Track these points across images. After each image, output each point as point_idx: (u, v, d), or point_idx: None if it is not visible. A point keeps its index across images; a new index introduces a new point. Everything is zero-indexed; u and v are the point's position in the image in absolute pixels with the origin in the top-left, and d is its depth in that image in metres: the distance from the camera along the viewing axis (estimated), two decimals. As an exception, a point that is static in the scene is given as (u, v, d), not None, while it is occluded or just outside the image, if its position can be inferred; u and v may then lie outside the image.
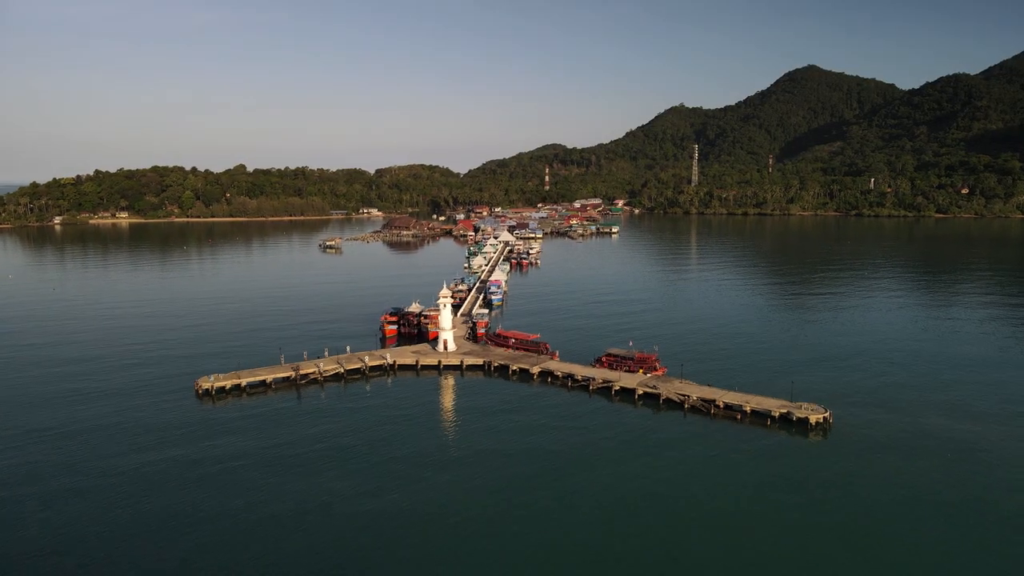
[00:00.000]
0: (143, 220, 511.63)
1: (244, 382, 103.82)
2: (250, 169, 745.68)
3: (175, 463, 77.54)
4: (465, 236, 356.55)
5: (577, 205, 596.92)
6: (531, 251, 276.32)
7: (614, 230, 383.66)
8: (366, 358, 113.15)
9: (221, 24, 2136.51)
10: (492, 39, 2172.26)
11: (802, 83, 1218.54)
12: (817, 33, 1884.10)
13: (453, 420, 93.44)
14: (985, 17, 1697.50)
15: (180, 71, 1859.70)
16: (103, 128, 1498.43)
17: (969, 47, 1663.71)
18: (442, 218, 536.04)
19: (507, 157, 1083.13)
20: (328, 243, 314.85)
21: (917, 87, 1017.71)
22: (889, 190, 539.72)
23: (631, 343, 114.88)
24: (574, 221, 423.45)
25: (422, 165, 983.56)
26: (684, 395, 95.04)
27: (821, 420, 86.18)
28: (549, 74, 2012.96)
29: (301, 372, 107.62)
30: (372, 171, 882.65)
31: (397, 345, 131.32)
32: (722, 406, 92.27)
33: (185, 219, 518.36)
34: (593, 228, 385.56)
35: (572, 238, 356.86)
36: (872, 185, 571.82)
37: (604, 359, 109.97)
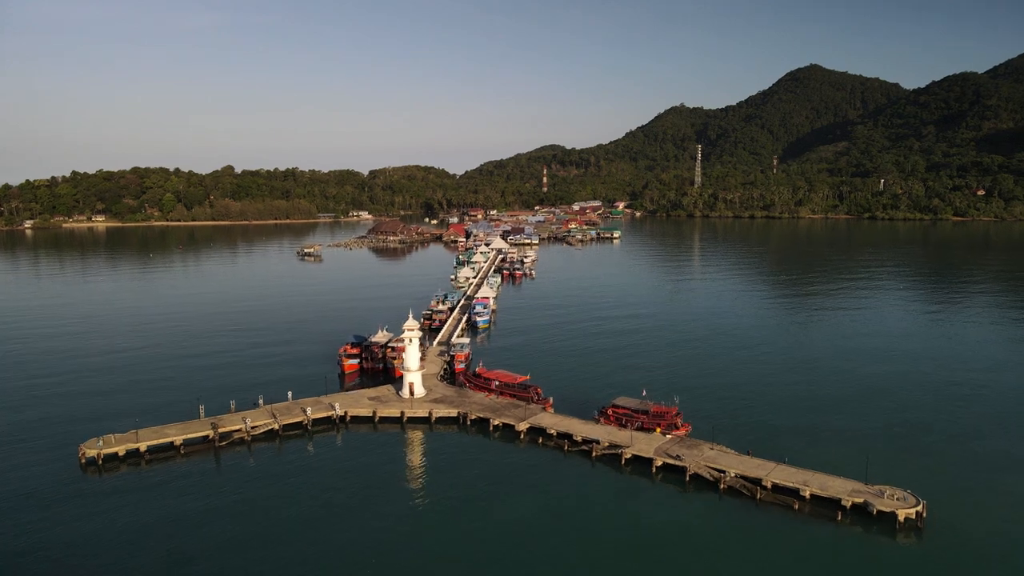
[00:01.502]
0: (121, 224, 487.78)
1: (144, 446, 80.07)
2: (238, 170, 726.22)
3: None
4: (456, 242, 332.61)
5: (576, 208, 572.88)
6: (526, 260, 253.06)
7: (615, 235, 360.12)
8: (309, 409, 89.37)
9: (218, 26, 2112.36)
10: (489, 39, 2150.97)
11: (805, 82, 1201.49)
12: (819, 32, 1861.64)
13: (412, 499, 69.72)
14: (988, 16, 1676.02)
15: (169, 73, 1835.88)
16: (85, 129, 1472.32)
17: (973, 46, 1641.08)
18: (434, 221, 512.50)
19: (505, 158, 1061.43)
20: (307, 250, 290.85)
21: (923, 86, 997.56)
22: (901, 192, 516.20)
23: (644, 392, 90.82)
24: (573, 225, 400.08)
25: (417, 166, 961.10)
26: (719, 470, 71.43)
27: (913, 515, 62.58)
28: (547, 74, 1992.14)
29: (222, 430, 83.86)
30: (366, 172, 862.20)
31: (358, 383, 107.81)
32: (771, 487, 68.72)
33: (164, 223, 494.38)
34: (593, 233, 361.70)
35: (571, 244, 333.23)
36: (882, 186, 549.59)
37: (611, 412, 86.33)
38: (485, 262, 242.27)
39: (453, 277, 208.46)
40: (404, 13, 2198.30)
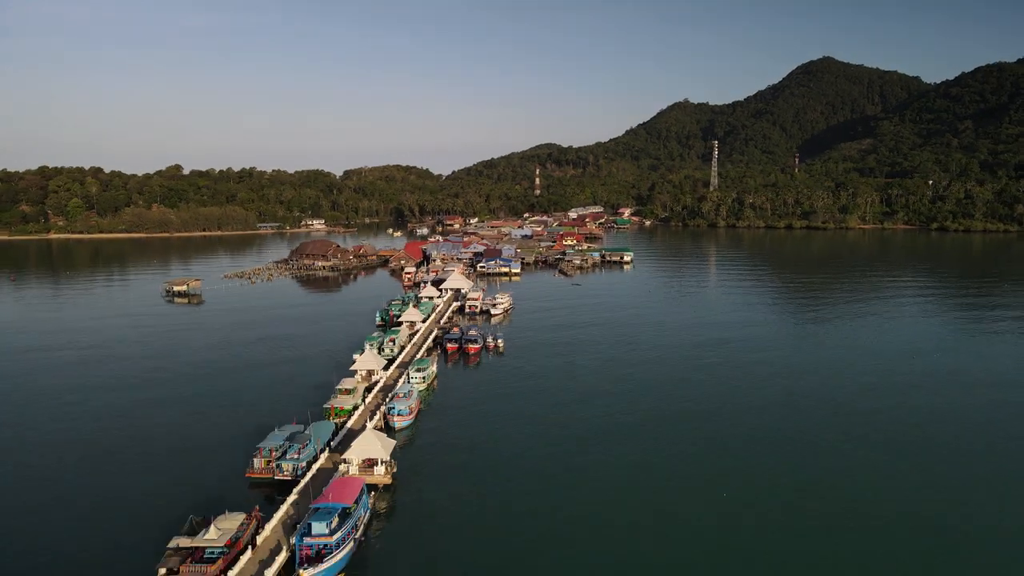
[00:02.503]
0: (8, 236, 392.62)
1: None
2: (186, 171, 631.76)
3: None
4: (409, 267, 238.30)
5: (573, 216, 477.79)
6: (495, 309, 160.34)
7: (627, 258, 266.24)
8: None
9: (212, 26, 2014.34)
10: (484, 34, 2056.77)
11: (818, 76, 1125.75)
12: (831, 23, 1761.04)
13: None
14: (1014, 4, 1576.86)
15: (148, 72, 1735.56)
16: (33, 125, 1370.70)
17: (997, 35, 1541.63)
18: (397, 233, 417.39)
19: (496, 157, 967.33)
20: (176, 288, 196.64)
21: (951, 78, 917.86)
22: (964, 196, 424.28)
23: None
24: (569, 241, 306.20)
25: (397, 166, 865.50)
26: None
27: None
28: (542, 68, 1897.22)
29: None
30: (340, 173, 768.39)
31: None
32: None
33: (66, 235, 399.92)
34: (596, 256, 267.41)
35: (565, 273, 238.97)
36: (931, 189, 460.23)
37: None
38: (427, 317, 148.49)
39: (357, 358, 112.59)
40: (394, 7, 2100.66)
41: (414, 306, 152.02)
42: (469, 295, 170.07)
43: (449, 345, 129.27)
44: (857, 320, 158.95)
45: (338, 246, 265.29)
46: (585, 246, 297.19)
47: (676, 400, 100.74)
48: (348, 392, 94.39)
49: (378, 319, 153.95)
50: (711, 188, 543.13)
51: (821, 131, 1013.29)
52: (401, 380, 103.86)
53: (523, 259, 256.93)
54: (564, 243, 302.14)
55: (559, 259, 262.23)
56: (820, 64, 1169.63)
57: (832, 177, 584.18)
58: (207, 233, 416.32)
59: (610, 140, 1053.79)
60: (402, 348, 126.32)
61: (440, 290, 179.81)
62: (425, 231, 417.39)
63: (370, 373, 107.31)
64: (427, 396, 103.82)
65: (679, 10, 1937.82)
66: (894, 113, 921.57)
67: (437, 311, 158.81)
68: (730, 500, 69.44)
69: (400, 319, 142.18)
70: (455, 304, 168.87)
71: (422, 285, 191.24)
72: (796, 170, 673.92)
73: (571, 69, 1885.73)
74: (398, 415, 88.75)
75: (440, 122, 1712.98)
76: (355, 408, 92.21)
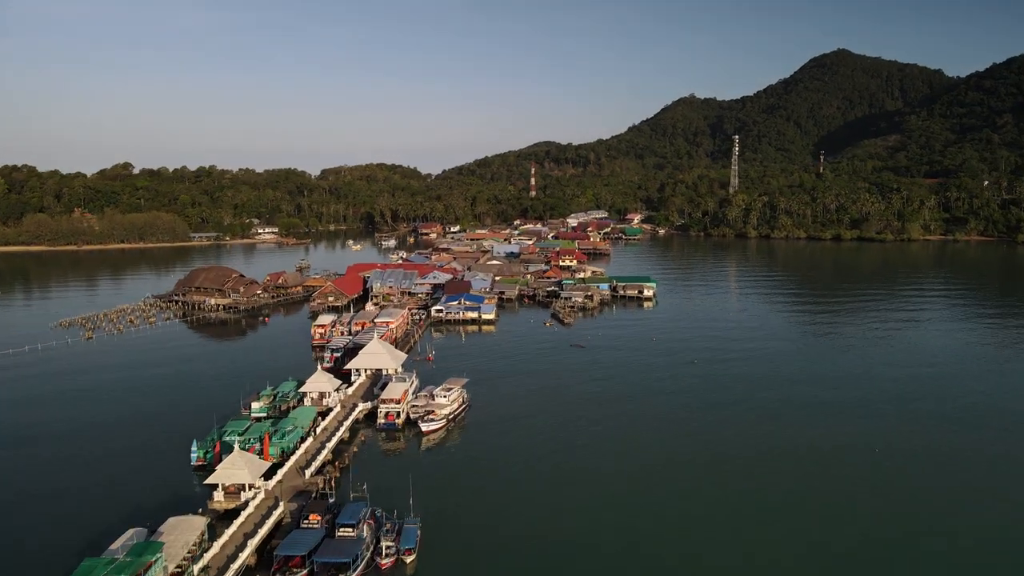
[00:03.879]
0: None
1: None
2: (136, 169, 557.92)
3: None
4: (324, 313, 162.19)
5: (573, 222, 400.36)
6: (427, 423, 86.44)
7: (647, 292, 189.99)
8: None
9: (211, 26, 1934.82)
10: (481, 30, 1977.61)
11: (832, 69, 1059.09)
12: (845, 13, 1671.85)
13: None
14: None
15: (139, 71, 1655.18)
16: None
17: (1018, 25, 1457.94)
18: (357, 247, 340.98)
19: (491, 156, 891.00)
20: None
21: (982, 70, 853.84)
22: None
23: None
24: (567, 262, 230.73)
25: (380, 165, 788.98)
26: None
27: None
28: (540, 63, 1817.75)
29: None
30: (318, 172, 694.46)
31: None
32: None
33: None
34: (605, 289, 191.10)
35: (561, 320, 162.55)
36: (988, 191, 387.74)
37: None
38: (264, 476, 73.59)
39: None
40: (387, 5, 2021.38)
41: (269, 429, 77.92)
42: (388, 391, 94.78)
43: (340, 532, 55.54)
44: None
45: (241, 276, 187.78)
46: (588, 271, 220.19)
47: None
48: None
49: (196, 454, 79.41)
50: (731, 189, 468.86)
51: (839, 127, 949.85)
52: None
53: (501, 294, 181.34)
54: (560, 265, 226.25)
55: (553, 294, 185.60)
56: (834, 57, 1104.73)
57: (863, 177, 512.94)
58: (127, 245, 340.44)
59: (612, 137, 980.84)
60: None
61: (346, 373, 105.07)
62: (392, 243, 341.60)
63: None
64: None
65: (682, 1, 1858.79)
66: (921, 107, 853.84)
67: (318, 433, 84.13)
68: None
69: (223, 470, 68.57)
70: (363, 406, 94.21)
71: (328, 355, 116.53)
72: (821, 169, 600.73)
73: (571, 63, 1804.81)
74: None
75: (435, 120, 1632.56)
76: None
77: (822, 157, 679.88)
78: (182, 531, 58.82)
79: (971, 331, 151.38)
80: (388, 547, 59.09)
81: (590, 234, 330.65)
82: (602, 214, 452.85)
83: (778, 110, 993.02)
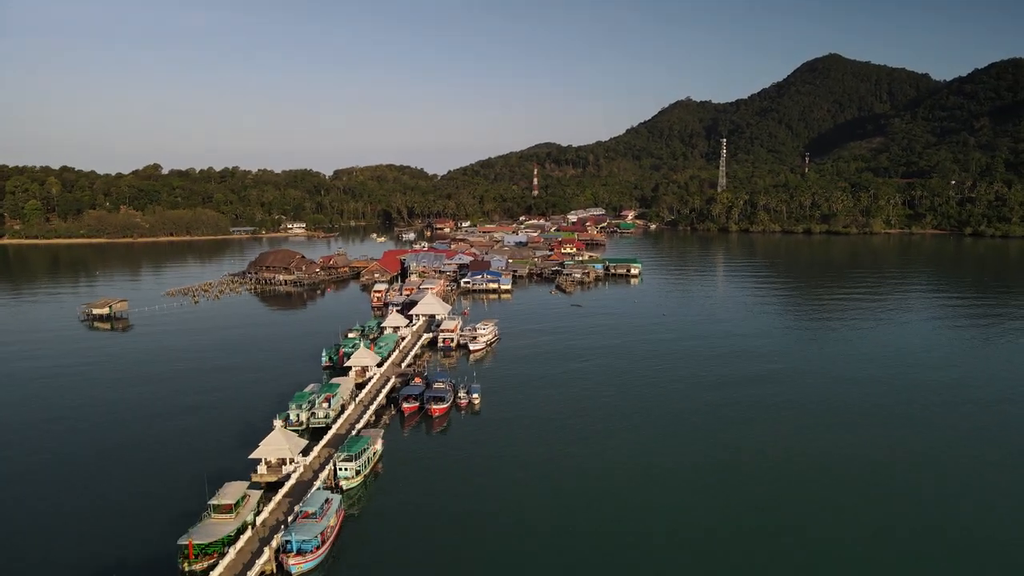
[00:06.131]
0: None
1: None
2: (165, 170, 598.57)
3: None
4: (378, 282, 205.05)
5: (572, 219, 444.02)
6: (475, 344, 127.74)
7: (633, 271, 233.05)
8: None
9: (210, 26, 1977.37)
10: (482, 33, 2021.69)
11: (824, 73, 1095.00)
12: (837, 19, 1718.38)
13: None
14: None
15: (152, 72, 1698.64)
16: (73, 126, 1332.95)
17: (1008, 31, 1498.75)
18: (381, 239, 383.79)
19: (494, 157, 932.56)
20: (96, 311, 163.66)
21: (964, 74, 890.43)
22: (990, 197, 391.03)
23: None
24: (568, 250, 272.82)
25: (389, 165, 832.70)
26: None
27: None
28: (541, 67, 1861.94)
29: None
30: (331, 173, 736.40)
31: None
32: None
33: (20, 240, 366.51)
34: (599, 268, 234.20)
35: (563, 290, 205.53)
36: (954, 190, 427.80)
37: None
38: (379, 364, 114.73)
39: (293, 411, 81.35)
40: (392, 7, 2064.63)
41: (372, 343, 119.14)
42: (444, 325, 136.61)
43: (406, 405, 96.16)
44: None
45: (303, 257, 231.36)
46: (586, 255, 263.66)
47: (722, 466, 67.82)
48: (227, 511, 61.06)
49: (325, 359, 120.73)
50: (719, 189, 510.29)
51: (828, 130, 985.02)
52: (319, 479, 70.67)
53: (515, 272, 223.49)
54: (562, 252, 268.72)
55: (556, 272, 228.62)
56: (826, 61, 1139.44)
57: (845, 177, 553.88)
58: (175, 238, 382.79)
59: (611, 139, 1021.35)
60: (341, 409, 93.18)
61: (409, 317, 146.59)
62: (411, 236, 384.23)
63: (281, 463, 74.15)
64: (361, 494, 71.19)
65: (680, 6, 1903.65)
66: (905, 111, 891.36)
67: (402, 347, 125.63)
68: None
69: (357, 355, 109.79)
70: (425, 336, 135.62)
71: (390, 309, 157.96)
72: (806, 170, 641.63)
73: (571, 67, 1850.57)
74: (296, 554, 56.09)
75: (438, 122, 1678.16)
76: (236, 534, 59.28)
77: (807, 158, 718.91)
78: (345, 384, 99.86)
79: (915, 311, 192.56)
80: (462, 396, 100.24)
81: (588, 228, 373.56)
82: (600, 211, 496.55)
83: (770, 113, 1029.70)
